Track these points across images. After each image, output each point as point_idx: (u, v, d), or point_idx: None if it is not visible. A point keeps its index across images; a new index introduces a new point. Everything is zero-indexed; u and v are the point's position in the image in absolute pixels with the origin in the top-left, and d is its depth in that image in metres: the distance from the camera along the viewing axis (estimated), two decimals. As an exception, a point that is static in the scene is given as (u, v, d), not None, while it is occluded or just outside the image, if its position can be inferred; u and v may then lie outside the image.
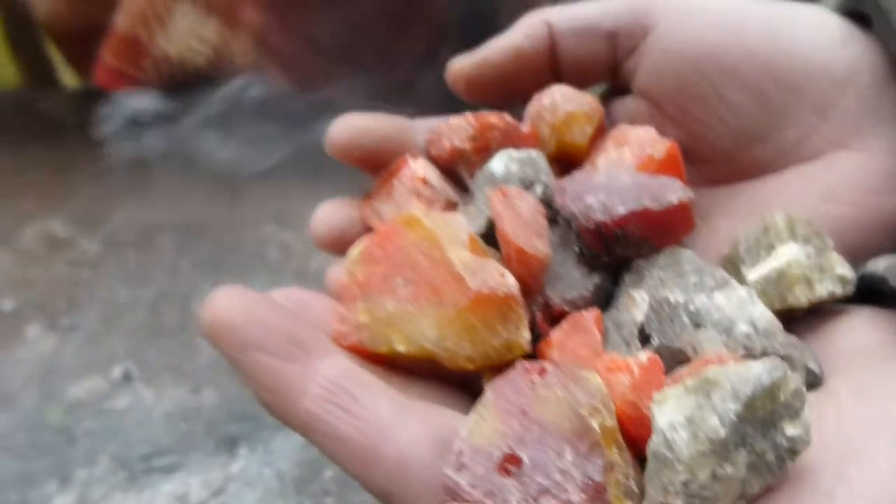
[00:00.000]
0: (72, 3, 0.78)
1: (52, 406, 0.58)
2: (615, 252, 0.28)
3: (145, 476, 0.53)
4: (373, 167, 0.32)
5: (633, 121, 0.32)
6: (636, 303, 0.27)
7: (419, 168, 0.31)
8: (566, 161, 0.33)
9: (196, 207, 0.77)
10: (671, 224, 0.28)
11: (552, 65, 0.33)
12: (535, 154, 0.31)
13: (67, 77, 0.99)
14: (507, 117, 0.32)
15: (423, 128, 0.33)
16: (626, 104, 0.33)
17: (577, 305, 0.28)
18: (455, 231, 0.27)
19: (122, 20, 0.71)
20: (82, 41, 0.78)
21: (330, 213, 0.32)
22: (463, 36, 0.71)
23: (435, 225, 0.26)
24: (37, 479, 0.52)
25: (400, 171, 0.31)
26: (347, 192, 0.33)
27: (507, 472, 0.22)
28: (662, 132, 0.31)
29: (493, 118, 0.31)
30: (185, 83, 0.72)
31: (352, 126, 0.31)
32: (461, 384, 0.27)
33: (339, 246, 0.31)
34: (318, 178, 0.56)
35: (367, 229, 0.32)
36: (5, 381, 0.60)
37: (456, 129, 0.31)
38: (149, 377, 0.60)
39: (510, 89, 0.33)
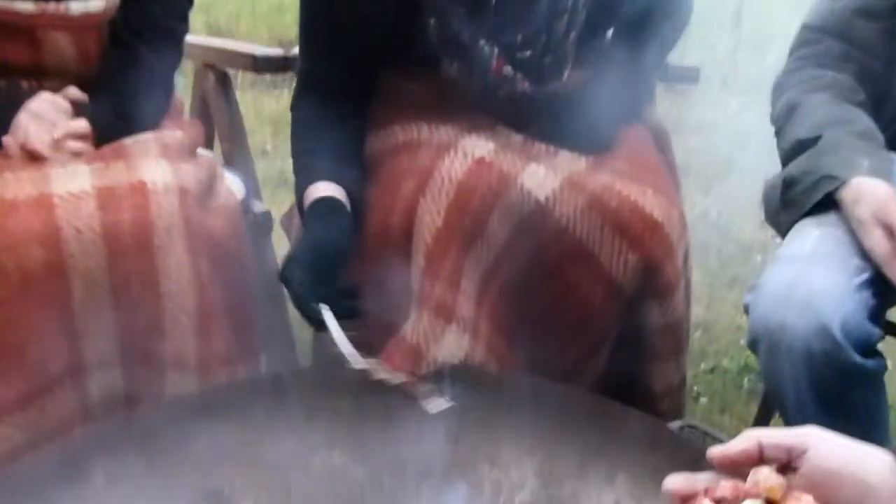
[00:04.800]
0: None
1: None
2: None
3: None
4: None
5: (800, 488, 0.61)
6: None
7: None
8: None
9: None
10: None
11: (760, 458, 0.60)
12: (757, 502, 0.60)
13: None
14: (740, 484, 0.60)
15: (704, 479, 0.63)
16: (795, 478, 0.62)
17: None
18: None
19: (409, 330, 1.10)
20: None
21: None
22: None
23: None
24: None
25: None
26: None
27: None
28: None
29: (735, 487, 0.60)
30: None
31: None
32: None
33: None
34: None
35: None
36: None
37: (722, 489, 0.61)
38: None
39: (738, 467, 0.62)
